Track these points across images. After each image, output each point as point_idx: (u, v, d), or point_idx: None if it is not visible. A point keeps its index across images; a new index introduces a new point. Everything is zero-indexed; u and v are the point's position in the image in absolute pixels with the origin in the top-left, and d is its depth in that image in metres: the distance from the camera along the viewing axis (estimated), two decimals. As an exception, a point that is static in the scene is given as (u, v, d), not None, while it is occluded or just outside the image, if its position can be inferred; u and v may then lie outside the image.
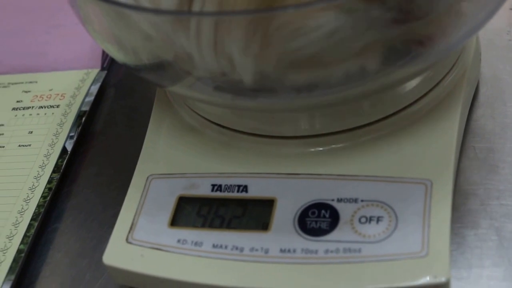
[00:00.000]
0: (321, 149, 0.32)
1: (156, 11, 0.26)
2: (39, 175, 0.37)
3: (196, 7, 0.25)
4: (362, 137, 0.32)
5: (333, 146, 0.32)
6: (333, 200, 0.30)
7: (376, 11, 0.24)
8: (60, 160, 0.37)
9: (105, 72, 0.43)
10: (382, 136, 0.32)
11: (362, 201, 0.29)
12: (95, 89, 0.42)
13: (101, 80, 0.42)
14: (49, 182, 0.36)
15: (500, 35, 0.40)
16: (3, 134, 0.40)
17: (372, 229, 0.28)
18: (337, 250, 0.28)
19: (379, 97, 0.31)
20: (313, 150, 0.32)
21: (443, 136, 0.31)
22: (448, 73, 0.33)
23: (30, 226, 0.34)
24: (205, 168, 0.32)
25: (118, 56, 0.32)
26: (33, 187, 0.36)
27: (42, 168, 0.37)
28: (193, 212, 0.31)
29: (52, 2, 0.47)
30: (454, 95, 0.33)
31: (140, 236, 0.31)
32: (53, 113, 0.40)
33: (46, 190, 0.36)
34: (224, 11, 0.25)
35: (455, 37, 0.29)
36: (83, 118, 0.40)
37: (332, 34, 0.25)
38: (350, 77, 0.27)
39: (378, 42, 0.26)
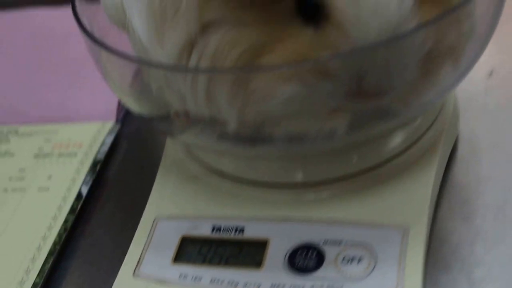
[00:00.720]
0: (311, 196, 0.36)
1: (157, 65, 0.31)
2: (56, 216, 0.41)
3: (193, 61, 0.30)
4: (347, 186, 0.36)
5: (321, 193, 0.36)
6: (320, 242, 0.34)
7: (328, 86, 0.29)
8: (75, 203, 0.41)
9: (119, 124, 0.48)
10: (366, 186, 0.36)
11: (345, 243, 0.33)
12: (109, 139, 0.46)
13: (115, 131, 0.47)
14: (65, 222, 0.40)
15: (477, 96, 0.45)
16: (24, 178, 0.44)
17: (353, 269, 0.32)
18: (321, 286, 0.32)
19: (360, 151, 0.36)
20: (303, 196, 0.36)
21: (420, 188, 0.35)
22: (427, 130, 0.37)
23: (45, 261, 0.38)
24: (206, 211, 0.37)
25: (134, 107, 0.37)
26: (50, 226, 0.40)
27: (59, 209, 0.41)
28: (194, 250, 0.35)
29: (75, 59, 0.52)
30: (432, 151, 0.37)
31: (146, 271, 0.35)
32: (71, 161, 0.45)
33: (62, 229, 0.40)
34: (211, 68, 0.30)
35: (418, 104, 0.33)
36: (98, 166, 0.44)
37: (292, 101, 0.29)
38: (323, 135, 0.32)
39: (342, 108, 0.31)
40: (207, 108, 0.31)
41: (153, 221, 0.37)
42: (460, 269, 0.34)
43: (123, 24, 0.34)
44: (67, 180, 0.43)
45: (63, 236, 0.40)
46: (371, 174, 0.36)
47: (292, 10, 0.29)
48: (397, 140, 0.37)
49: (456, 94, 0.42)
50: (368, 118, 0.32)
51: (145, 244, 0.36)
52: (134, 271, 0.35)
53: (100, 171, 0.45)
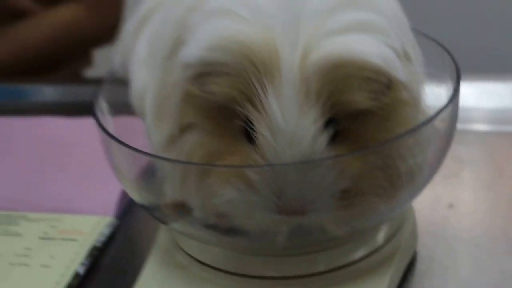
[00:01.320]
0: None
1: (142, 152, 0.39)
2: (56, 285, 0.47)
3: (174, 154, 0.38)
4: (309, 283, 0.41)
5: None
6: None
7: (253, 196, 0.35)
8: (73, 281, 0.48)
9: (117, 220, 0.55)
10: (323, 285, 0.42)
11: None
12: (107, 231, 0.53)
13: (113, 225, 0.54)
14: None
15: (437, 223, 0.52)
16: (29, 256, 0.50)
17: None
18: None
19: (322, 255, 0.42)
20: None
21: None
22: (385, 244, 0.44)
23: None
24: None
25: (136, 197, 0.44)
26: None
27: (57, 284, 0.47)
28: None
29: (81, 161, 0.60)
30: (388, 263, 0.43)
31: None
32: (72, 245, 0.51)
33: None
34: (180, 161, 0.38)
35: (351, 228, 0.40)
36: (94, 252, 0.51)
37: (231, 202, 0.36)
38: (269, 237, 0.38)
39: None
40: (181, 196, 0.39)
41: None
42: None
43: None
44: (67, 261, 0.50)
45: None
46: (330, 275, 0.42)
47: (240, 129, 0.36)
48: (356, 249, 0.43)
49: (417, 218, 0.49)
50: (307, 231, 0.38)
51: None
52: None
53: (97, 257, 0.51)
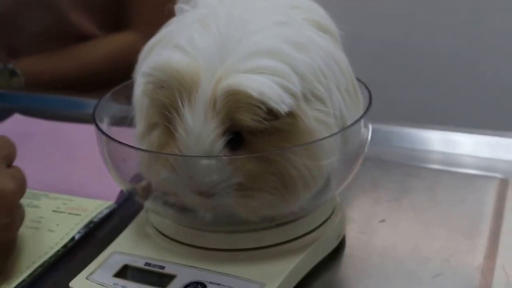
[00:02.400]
0: (212, 255, 0.56)
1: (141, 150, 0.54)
2: (52, 247, 0.62)
3: (144, 146, 0.54)
4: (239, 255, 0.55)
5: (220, 255, 0.56)
6: (206, 282, 0.53)
7: (175, 177, 0.50)
8: (68, 242, 0.63)
9: (116, 205, 0.71)
10: (251, 257, 0.55)
11: (222, 285, 0.53)
12: (106, 211, 0.69)
13: (112, 208, 0.70)
14: (57, 252, 0.62)
15: (368, 231, 0.65)
16: (40, 222, 0.66)
17: None
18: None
19: (252, 235, 0.56)
20: (208, 255, 0.56)
21: (283, 265, 0.55)
22: (303, 235, 0.57)
23: (34, 271, 0.60)
24: (144, 254, 0.58)
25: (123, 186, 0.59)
26: (46, 252, 0.62)
27: (56, 244, 0.63)
28: (129, 273, 0.56)
29: (92, 157, 0.74)
30: (301, 250, 0.56)
31: (94, 277, 0.55)
32: (75, 218, 0.67)
33: (54, 256, 0.61)
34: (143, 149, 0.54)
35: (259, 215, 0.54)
36: (91, 225, 0.67)
37: (166, 181, 0.51)
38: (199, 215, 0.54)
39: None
40: (147, 177, 0.54)
41: (110, 253, 0.58)
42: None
43: None
44: (68, 228, 0.65)
45: (52, 260, 0.61)
46: (257, 252, 0.56)
47: None
48: (278, 234, 0.56)
49: (351, 225, 0.63)
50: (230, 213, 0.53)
51: (100, 264, 0.57)
52: (87, 277, 0.56)
53: (93, 230, 0.67)
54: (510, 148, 0.79)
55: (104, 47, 1.26)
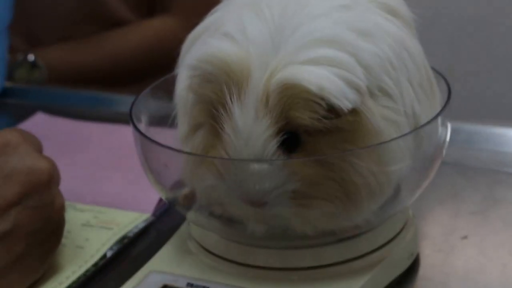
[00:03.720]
0: (260, 275, 0.58)
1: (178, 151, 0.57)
2: (81, 266, 0.65)
3: (188, 147, 0.56)
4: (295, 274, 0.57)
5: (270, 275, 0.58)
6: None
7: (223, 184, 0.53)
8: (99, 260, 0.66)
9: (153, 218, 0.73)
10: (310, 277, 0.57)
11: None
12: (142, 225, 0.71)
13: (148, 221, 0.72)
14: (86, 271, 0.65)
15: (447, 251, 0.66)
16: (67, 237, 0.68)
17: None
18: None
19: (311, 252, 0.58)
20: (256, 274, 0.58)
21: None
22: (368, 254, 0.59)
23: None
24: (187, 274, 0.60)
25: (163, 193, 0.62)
26: (75, 271, 0.65)
27: (86, 262, 0.66)
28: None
29: (126, 163, 0.78)
30: (366, 271, 0.58)
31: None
32: (107, 232, 0.70)
33: (83, 275, 0.64)
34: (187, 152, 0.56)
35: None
36: (125, 240, 0.69)
37: (211, 189, 0.53)
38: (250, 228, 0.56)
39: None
40: (190, 184, 0.56)
41: (148, 273, 0.61)
42: None
43: None
44: (99, 244, 0.68)
45: (81, 280, 0.64)
46: (316, 271, 0.58)
47: None
48: (339, 252, 0.58)
49: (429, 242, 0.65)
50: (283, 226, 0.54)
51: (136, 284, 0.59)
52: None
53: (127, 245, 0.70)
54: None
55: (139, 34, 1.28)
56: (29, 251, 0.60)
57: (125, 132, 0.81)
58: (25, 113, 1.00)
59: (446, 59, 1.80)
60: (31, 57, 1.19)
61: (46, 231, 0.62)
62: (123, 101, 1.03)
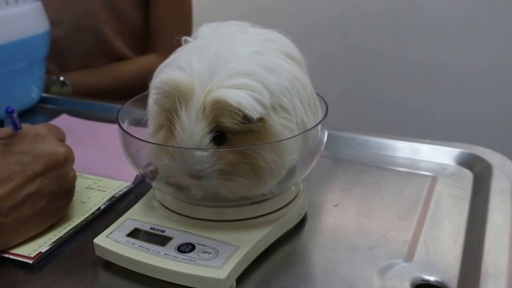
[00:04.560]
0: (202, 224, 0.58)
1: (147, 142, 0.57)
2: (83, 214, 0.65)
3: (155, 140, 0.56)
4: (223, 225, 0.58)
5: (209, 224, 0.58)
6: (196, 243, 0.56)
7: (174, 163, 0.54)
8: (96, 211, 0.66)
9: (133, 185, 0.73)
10: (231, 226, 0.58)
11: (207, 246, 0.56)
12: (125, 189, 0.72)
13: (129, 187, 0.73)
14: (86, 218, 0.65)
15: (326, 212, 0.68)
16: (75, 195, 0.69)
17: (205, 255, 0.54)
18: (191, 259, 0.55)
19: (229, 209, 0.59)
20: (199, 224, 0.58)
21: (253, 234, 0.58)
22: (272, 212, 0.60)
23: (66, 232, 0.63)
24: (151, 221, 0.60)
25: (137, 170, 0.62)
26: (77, 217, 0.65)
27: (86, 212, 0.66)
28: (138, 234, 0.59)
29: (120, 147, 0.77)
30: (269, 223, 0.59)
31: (113, 236, 0.58)
32: (101, 193, 0.70)
33: (84, 220, 0.64)
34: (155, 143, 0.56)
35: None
36: (113, 199, 0.70)
37: (168, 166, 0.54)
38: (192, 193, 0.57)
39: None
40: (154, 164, 0.57)
41: (125, 219, 0.61)
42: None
43: None
44: (96, 201, 0.69)
45: (82, 223, 0.65)
46: (235, 223, 0.59)
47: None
48: (253, 211, 0.59)
49: (311, 208, 0.66)
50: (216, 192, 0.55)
51: (117, 227, 0.60)
52: (107, 235, 0.59)
53: (115, 202, 0.70)
54: (439, 153, 0.81)
55: (134, 65, 1.29)
56: (49, 206, 0.61)
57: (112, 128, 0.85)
58: (55, 115, 1.01)
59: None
60: (61, 78, 1.18)
61: (60, 193, 0.63)
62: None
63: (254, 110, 0.50)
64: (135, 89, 1.28)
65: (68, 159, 0.63)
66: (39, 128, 0.63)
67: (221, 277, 0.52)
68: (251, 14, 1.98)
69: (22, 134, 0.61)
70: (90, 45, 1.26)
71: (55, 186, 0.61)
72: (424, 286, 0.55)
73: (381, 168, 0.79)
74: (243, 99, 0.50)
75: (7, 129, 0.61)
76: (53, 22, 1.00)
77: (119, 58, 1.29)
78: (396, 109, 1.92)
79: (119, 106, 1.00)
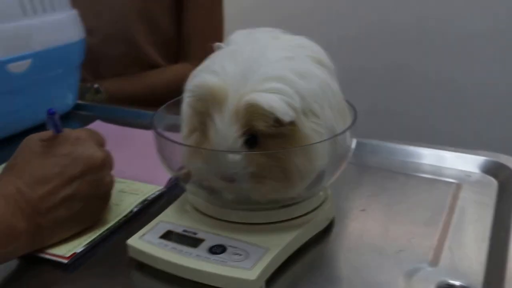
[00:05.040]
0: (232, 227, 0.59)
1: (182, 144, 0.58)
2: (117, 216, 0.67)
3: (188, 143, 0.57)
4: (251, 227, 0.59)
5: (239, 227, 0.59)
6: (226, 245, 0.57)
7: (208, 167, 0.54)
8: (128, 214, 0.68)
9: (165, 189, 0.74)
10: (259, 230, 0.59)
11: (237, 248, 0.56)
12: (157, 193, 0.73)
13: (162, 191, 0.74)
14: (118, 220, 0.66)
15: (354, 217, 0.68)
16: (110, 198, 0.71)
17: (236, 257, 0.55)
18: (222, 260, 0.55)
19: (261, 213, 0.60)
20: (229, 227, 0.59)
21: (283, 237, 0.58)
22: (301, 216, 0.61)
23: (101, 234, 0.64)
24: (183, 223, 0.61)
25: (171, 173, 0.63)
26: (110, 220, 0.66)
27: (119, 214, 0.67)
28: (171, 236, 0.60)
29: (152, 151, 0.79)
30: (298, 227, 0.60)
31: (146, 238, 0.59)
32: (134, 196, 0.71)
33: (117, 223, 0.66)
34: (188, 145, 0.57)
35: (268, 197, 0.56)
36: (146, 202, 0.71)
37: (200, 170, 0.54)
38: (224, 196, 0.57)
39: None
40: (187, 167, 0.58)
41: (158, 222, 0.62)
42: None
43: None
44: (128, 203, 0.70)
45: (116, 225, 0.66)
46: (265, 226, 0.59)
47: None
48: (282, 214, 0.60)
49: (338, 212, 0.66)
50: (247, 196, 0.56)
51: (150, 229, 0.61)
52: (140, 237, 0.60)
53: (147, 206, 0.71)
54: (464, 160, 0.81)
55: (166, 74, 1.30)
56: (84, 209, 0.62)
57: (145, 134, 0.86)
58: (90, 121, 1.02)
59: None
60: (96, 85, 1.20)
61: (96, 197, 0.63)
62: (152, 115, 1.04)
63: (285, 114, 0.51)
64: (167, 97, 1.32)
65: (105, 164, 0.63)
66: (80, 132, 0.63)
67: (251, 278, 0.53)
68: (279, 25, 1.98)
69: (63, 137, 0.62)
70: (123, 53, 1.28)
71: (91, 190, 0.62)
72: (449, 290, 0.55)
73: (406, 174, 0.79)
74: (275, 103, 0.51)
75: (49, 132, 0.62)
76: (87, 30, 1.02)
77: (151, 66, 1.30)
78: (421, 122, 1.91)
79: (151, 112, 1.04)
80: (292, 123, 0.52)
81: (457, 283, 0.56)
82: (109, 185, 0.64)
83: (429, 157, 0.83)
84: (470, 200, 0.72)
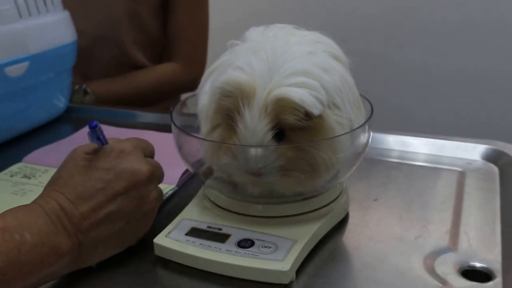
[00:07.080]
0: (259, 221, 0.60)
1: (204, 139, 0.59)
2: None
3: (210, 138, 0.58)
4: (276, 220, 0.60)
5: (265, 221, 0.60)
6: (254, 238, 0.58)
7: (235, 162, 0.55)
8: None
9: (177, 188, 0.75)
10: (286, 222, 0.60)
11: (265, 241, 0.58)
12: (170, 192, 0.73)
13: (174, 190, 0.74)
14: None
15: (365, 209, 0.70)
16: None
17: (266, 250, 0.56)
18: (252, 253, 0.57)
19: (283, 206, 0.61)
20: (255, 220, 0.60)
21: (308, 228, 0.60)
22: (321, 207, 0.63)
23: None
24: (207, 220, 0.62)
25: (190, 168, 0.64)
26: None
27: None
28: (196, 232, 0.60)
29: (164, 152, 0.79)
30: (318, 219, 0.61)
31: (172, 235, 0.60)
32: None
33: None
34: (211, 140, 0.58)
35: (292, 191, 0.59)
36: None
37: (226, 165, 0.55)
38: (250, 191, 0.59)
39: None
40: (209, 163, 0.59)
41: (181, 219, 0.63)
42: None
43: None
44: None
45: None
46: (289, 218, 0.61)
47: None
48: (303, 206, 0.61)
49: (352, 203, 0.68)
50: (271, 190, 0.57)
51: (175, 227, 0.62)
52: (166, 235, 0.60)
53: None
54: (466, 149, 0.84)
55: (153, 74, 1.30)
56: (127, 226, 0.58)
57: (143, 135, 0.83)
58: (80, 123, 1.00)
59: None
60: (84, 86, 1.19)
61: (140, 214, 0.59)
62: (142, 115, 1.04)
63: (314, 107, 0.52)
64: (154, 97, 1.33)
65: (152, 178, 0.59)
66: (125, 144, 0.59)
67: (285, 269, 0.54)
68: (250, 17, 1.99)
69: (107, 150, 0.58)
70: (111, 55, 1.27)
71: (135, 206, 0.58)
72: (471, 272, 0.58)
73: (410, 165, 0.82)
74: (305, 96, 0.52)
75: (93, 145, 0.59)
76: (76, 32, 1.01)
77: (136, 67, 1.30)
78: (398, 111, 1.95)
79: (138, 112, 1.05)
80: (319, 116, 0.54)
81: (478, 264, 0.58)
82: (154, 202, 0.60)
83: (429, 146, 0.86)
84: (475, 186, 0.74)
